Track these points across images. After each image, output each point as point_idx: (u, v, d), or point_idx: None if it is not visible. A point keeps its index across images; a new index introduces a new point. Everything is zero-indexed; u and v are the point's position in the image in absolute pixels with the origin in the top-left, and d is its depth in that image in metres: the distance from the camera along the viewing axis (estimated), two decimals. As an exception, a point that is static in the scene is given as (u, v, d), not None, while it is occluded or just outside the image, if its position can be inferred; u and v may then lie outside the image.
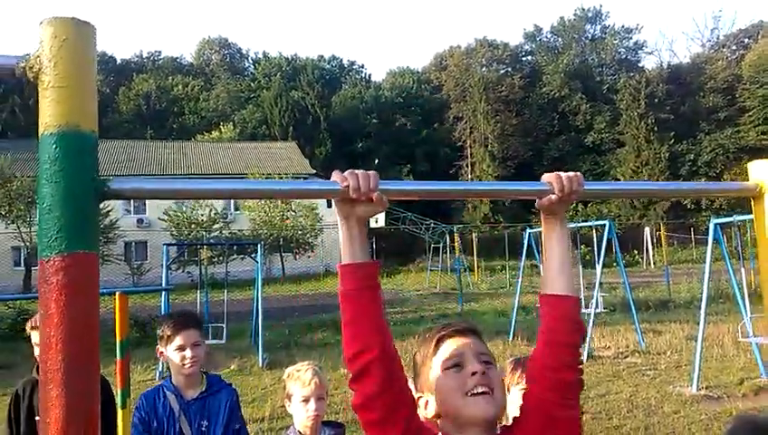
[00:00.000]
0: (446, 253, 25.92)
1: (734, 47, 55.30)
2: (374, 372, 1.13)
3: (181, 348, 2.46)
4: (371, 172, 1.09)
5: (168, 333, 2.48)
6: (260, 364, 9.43)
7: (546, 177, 1.22)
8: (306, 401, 2.39)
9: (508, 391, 2.00)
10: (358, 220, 1.14)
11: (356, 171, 1.08)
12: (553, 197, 1.20)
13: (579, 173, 1.22)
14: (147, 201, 33.34)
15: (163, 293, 9.64)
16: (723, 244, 8.21)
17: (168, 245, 11.74)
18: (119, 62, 58.64)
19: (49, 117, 0.79)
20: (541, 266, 13.77)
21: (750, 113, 46.48)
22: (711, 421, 5.86)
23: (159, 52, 63.17)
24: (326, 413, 2.55)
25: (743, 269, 8.38)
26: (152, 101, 52.35)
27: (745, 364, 8.22)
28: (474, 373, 1.24)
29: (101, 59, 51.59)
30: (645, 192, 1.66)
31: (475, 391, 1.23)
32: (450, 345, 1.31)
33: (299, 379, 2.42)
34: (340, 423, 2.60)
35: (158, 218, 29.59)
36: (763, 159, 1.32)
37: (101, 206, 0.97)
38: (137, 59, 61.04)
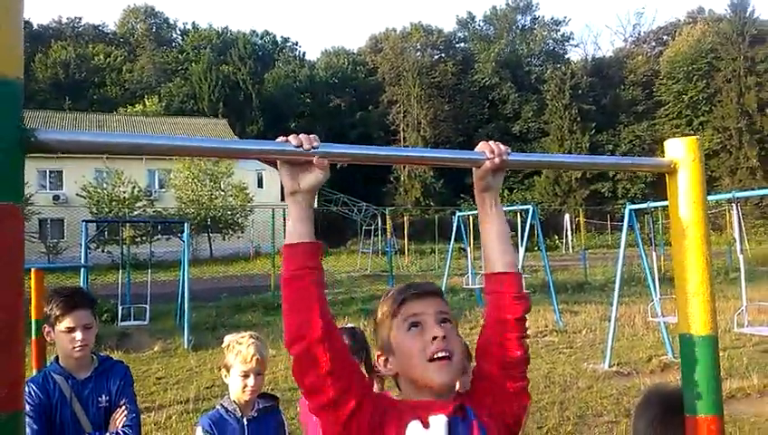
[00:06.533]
0: (377, 235, 26.08)
1: (653, 43, 58.31)
2: (320, 353, 1.13)
3: (70, 330, 2.24)
4: (311, 135, 1.12)
5: (57, 313, 2.25)
6: (185, 346, 9.22)
7: (479, 146, 1.29)
8: (246, 376, 2.35)
9: None
10: (305, 194, 1.14)
11: (296, 135, 1.11)
12: (488, 163, 1.25)
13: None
14: (64, 177, 31.62)
15: (82, 270, 9.18)
16: (637, 230, 8.71)
17: (88, 222, 11.19)
18: (35, 27, 54.82)
19: (-32, 61, 0.74)
20: (467, 250, 13.98)
21: (665, 107, 49.36)
22: (621, 396, 6.26)
23: (80, 18, 59.64)
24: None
25: (654, 254, 8.92)
26: (71, 70, 49.32)
27: (653, 343, 8.81)
28: (434, 338, 1.25)
29: (13, 22, 47.88)
30: (566, 164, 1.72)
31: (436, 357, 1.24)
32: (411, 307, 1.30)
33: (240, 353, 2.36)
34: (274, 395, 2.60)
35: (77, 195, 27.95)
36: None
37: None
38: (55, 25, 57.28)
